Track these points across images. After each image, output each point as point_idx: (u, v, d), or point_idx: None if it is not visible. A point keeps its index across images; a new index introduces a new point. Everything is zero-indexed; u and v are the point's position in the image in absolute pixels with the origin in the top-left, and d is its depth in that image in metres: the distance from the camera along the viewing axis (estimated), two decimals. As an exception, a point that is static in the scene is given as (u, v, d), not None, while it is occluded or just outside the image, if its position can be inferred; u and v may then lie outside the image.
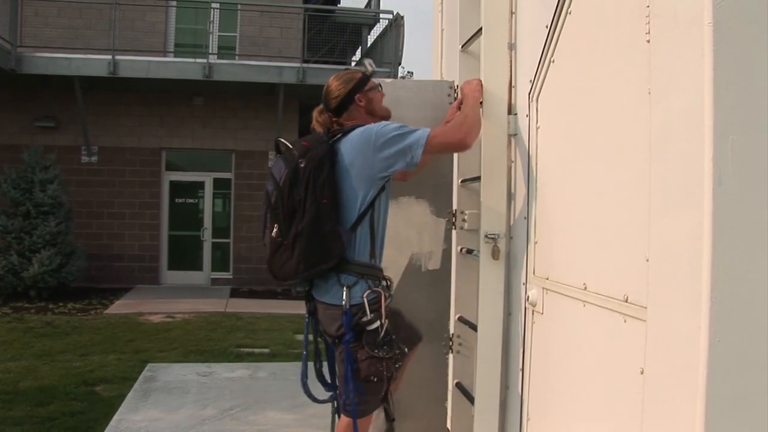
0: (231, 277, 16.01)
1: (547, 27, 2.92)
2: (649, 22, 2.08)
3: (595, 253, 2.47)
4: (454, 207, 3.79)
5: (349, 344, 2.99)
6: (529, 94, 3.10)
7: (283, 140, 3.15)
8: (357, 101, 3.23)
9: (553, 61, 2.91)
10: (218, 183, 16.28)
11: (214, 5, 15.25)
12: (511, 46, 3.34)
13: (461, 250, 3.71)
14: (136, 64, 14.00)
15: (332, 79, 3.29)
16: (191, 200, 16.51)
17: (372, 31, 18.50)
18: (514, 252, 3.19)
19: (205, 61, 14.05)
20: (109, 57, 13.75)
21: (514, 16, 3.36)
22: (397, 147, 2.99)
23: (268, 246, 3.05)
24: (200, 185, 16.34)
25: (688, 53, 1.85)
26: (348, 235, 3.00)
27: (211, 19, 14.90)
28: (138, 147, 15.51)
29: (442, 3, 4.84)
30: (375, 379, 3.02)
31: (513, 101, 3.30)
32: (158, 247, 15.86)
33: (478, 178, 3.42)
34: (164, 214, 16.03)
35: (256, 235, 15.68)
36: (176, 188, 16.18)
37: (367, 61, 3.39)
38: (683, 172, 1.86)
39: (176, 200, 16.23)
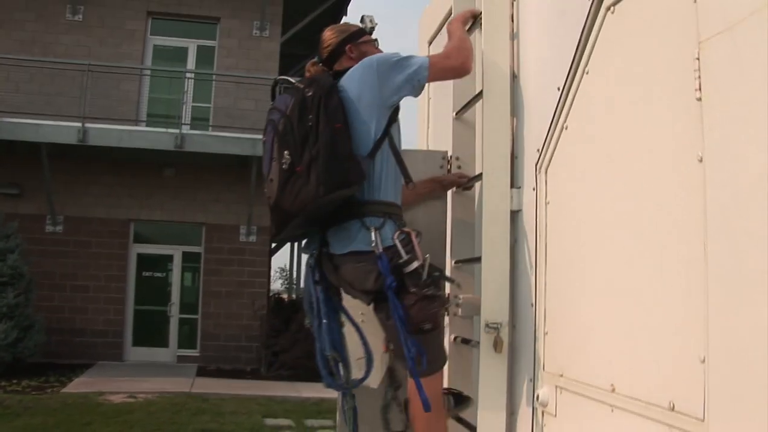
0: (198, 354, 15.39)
1: (558, 89, 2.61)
2: (699, 77, 1.76)
3: (626, 348, 2.09)
4: (447, 291, 3.41)
5: (393, 289, 2.62)
6: (536, 165, 2.77)
7: (286, 77, 2.99)
8: (348, 52, 3.05)
9: (566, 128, 2.59)
10: (187, 257, 15.80)
11: (188, 75, 15.04)
12: (514, 112, 3.03)
13: (455, 339, 3.32)
14: (106, 132, 13.67)
15: (327, 30, 3.15)
16: (159, 274, 15.99)
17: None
18: (520, 343, 2.81)
19: (177, 131, 13.76)
20: (79, 124, 13.41)
21: (516, 79, 3.06)
22: (403, 73, 2.83)
23: (275, 179, 2.71)
24: (169, 258, 15.85)
25: (763, 113, 1.52)
26: (366, 162, 2.75)
27: (185, 89, 14.65)
28: (106, 218, 15.05)
29: (429, 70, 4.57)
30: (429, 326, 2.66)
31: (516, 173, 2.97)
32: (123, 321, 15.24)
33: (474, 260, 3.07)
34: (130, 287, 15.46)
35: (225, 312, 15.35)
36: (144, 261, 15.67)
37: (368, 17, 3.24)
38: (756, 254, 1.51)
39: (143, 273, 15.70)
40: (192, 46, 15.90)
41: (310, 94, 2.72)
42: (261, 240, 15.46)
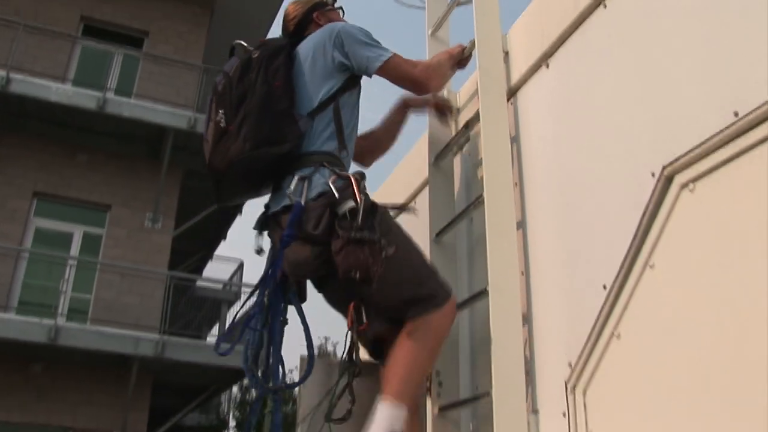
0: None
1: (605, 288, 2.06)
2: None
3: None
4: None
5: (286, 245, 2.38)
6: (567, 383, 2.16)
7: (241, 42, 2.78)
8: (316, 19, 2.92)
9: (618, 336, 2.01)
10: (47, 467, 13.89)
11: (71, 262, 13.95)
12: (526, 318, 2.44)
13: None
14: (-31, 319, 12.24)
15: (289, 5, 3.01)
16: (8, 488, 13.94)
17: (232, 307, 17.71)
18: None
19: (52, 322, 12.47)
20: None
21: (524, 276, 2.51)
22: (356, 47, 2.66)
23: (210, 139, 2.56)
24: (23, 468, 13.90)
25: None
26: (305, 122, 2.56)
27: (66, 277, 13.52)
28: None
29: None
30: (357, 274, 2.25)
31: (532, 394, 2.33)
32: None
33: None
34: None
35: None
36: (-9, 472, 13.66)
37: None
38: None
39: (-13, 491, 13.62)
40: (78, 232, 14.81)
41: (255, 55, 2.64)
42: (136, 450, 13.83)
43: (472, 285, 2.79)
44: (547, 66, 2.69)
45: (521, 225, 2.60)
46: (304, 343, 2.49)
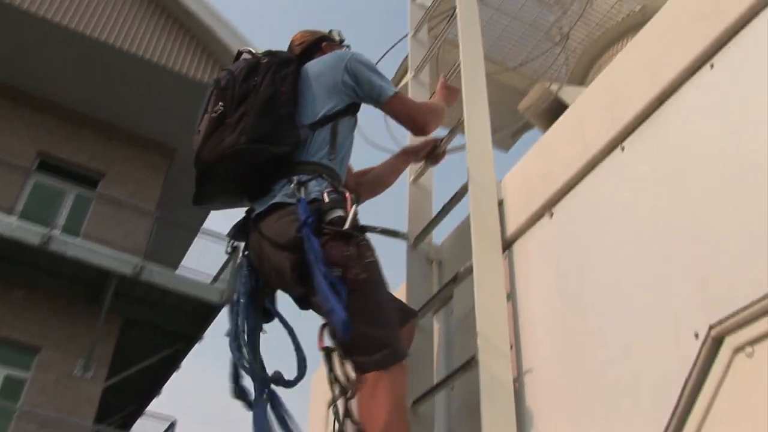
0: None
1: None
2: None
3: None
4: None
5: (311, 225, 2.21)
6: None
7: (249, 48, 2.78)
8: (325, 48, 2.90)
9: None
10: None
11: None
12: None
13: None
14: None
15: (298, 32, 3.02)
16: None
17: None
18: None
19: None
20: None
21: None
22: (370, 75, 2.66)
23: (202, 130, 2.50)
24: None
25: None
26: (305, 131, 2.52)
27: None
28: None
29: None
30: (340, 272, 2.13)
31: None
32: None
33: None
34: None
35: None
36: None
37: (336, 31, 3.02)
38: None
39: None
40: (-1, 374, 13.89)
41: (264, 61, 2.62)
42: None
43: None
44: (551, 215, 2.43)
45: (519, 392, 2.23)
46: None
